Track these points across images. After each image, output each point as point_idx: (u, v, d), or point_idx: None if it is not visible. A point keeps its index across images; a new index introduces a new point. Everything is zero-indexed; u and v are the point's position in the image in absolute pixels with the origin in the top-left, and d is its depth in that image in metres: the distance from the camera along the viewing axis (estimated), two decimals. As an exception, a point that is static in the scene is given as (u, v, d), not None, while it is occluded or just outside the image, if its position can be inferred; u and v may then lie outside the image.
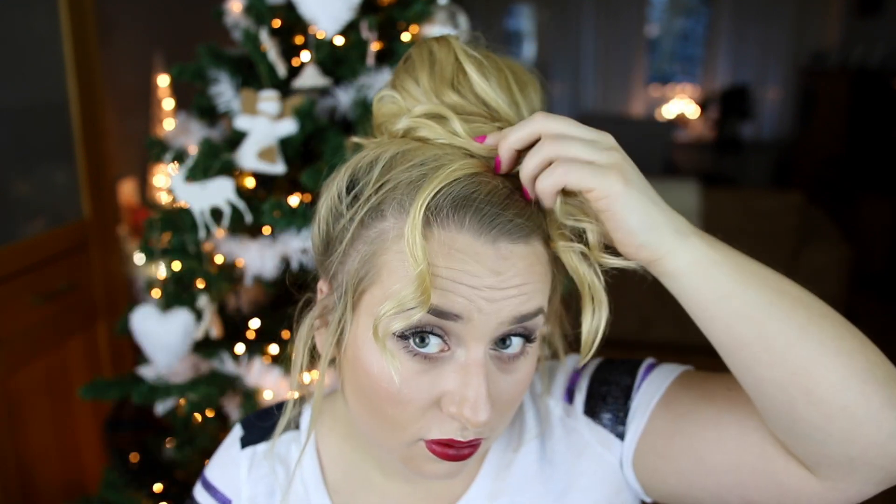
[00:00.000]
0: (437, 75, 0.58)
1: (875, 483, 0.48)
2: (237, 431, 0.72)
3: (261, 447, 0.70)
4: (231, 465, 0.70)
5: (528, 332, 0.53)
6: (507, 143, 0.51)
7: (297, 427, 0.70)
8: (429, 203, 0.49)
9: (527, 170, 0.51)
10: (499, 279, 0.50)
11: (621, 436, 0.62)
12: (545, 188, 0.50)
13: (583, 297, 0.53)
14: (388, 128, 0.60)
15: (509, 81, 0.60)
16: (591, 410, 0.64)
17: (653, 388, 0.61)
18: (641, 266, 0.51)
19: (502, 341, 0.53)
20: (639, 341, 3.45)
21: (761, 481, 0.52)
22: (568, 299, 0.63)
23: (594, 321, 0.52)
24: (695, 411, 0.57)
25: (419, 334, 0.50)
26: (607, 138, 0.50)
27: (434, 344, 0.51)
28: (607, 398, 0.63)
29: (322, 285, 0.61)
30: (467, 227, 0.49)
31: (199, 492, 0.71)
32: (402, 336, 0.50)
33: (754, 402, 0.50)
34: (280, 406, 0.70)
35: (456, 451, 0.52)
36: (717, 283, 0.47)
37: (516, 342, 0.53)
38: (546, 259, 0.53)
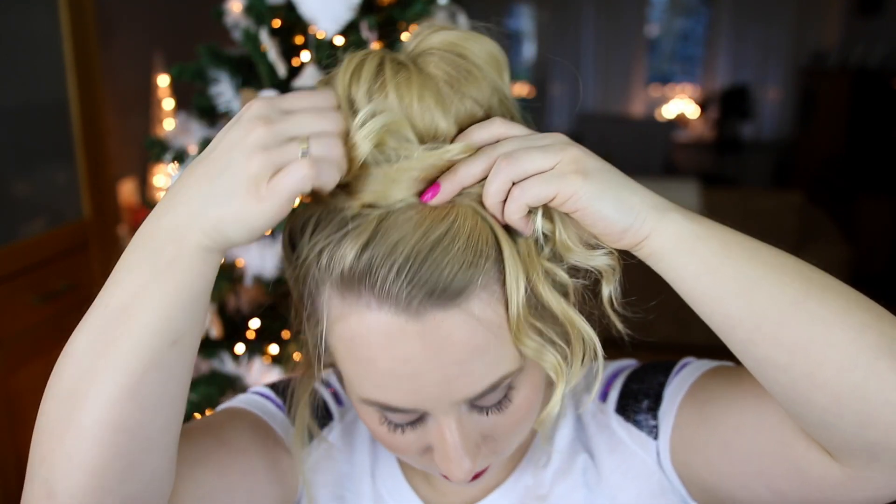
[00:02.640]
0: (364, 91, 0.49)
1: None
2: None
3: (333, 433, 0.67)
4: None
5: (500, 392, 0.49)
6: (458, 181, 0.47)
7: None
8: (339, 286, 0.46)
9: (491, 202, 0.46)
10: (436, 359, 0.45)
11: (654, 434, 0.60)
12: (513, 217, 0.46)
13: (572, 340, 0.50)
14: None
15: (438, 90, 0.48)
16: (623, 408, 0.62)
17: (682, 382, 0.59)
18: (614, 258, 0.49)
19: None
20: (640, 342, 3.46)
21: (783, 468, 0.50)
22: (594, 288, 0.55)
23: (582, 369, 0.50)
24: (719, 398, 0.55)
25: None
26: (557, 137, 0.47)
27: (403, 418, 0.50)
28: (639, 396, 0.62)
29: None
30: (385, 307, 0.45)
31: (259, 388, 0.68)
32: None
33: (762, 384, 0.47)
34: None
35: (463, 481, 0.52)
36: (701, 257, 0.45)
37: (491, 398, 0.49)
38: (494, 312, 0.46)
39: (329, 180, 0.43)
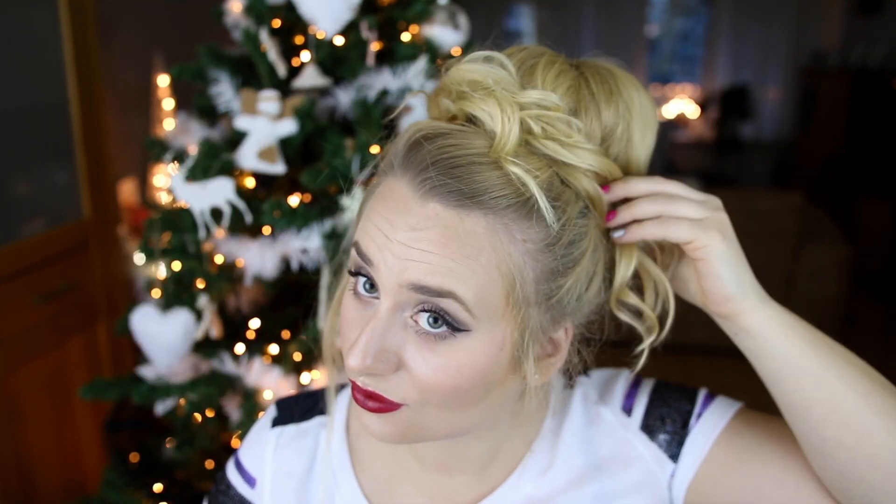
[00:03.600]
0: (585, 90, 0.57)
1: None
2: (271, 411, 0.72)
3: (289, 428, 0.70)
4: (259, 444, 0.71)
5: (437, 312, 0.50)
6: (625, 191, 0.56)
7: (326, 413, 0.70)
8: (396, 151, 0.52)
9: (634, 213, 0.56)
10: (410, 236, 0.49)
11: (675, 457, 0.63)
12: (643, 234, 0.55)
13: (644, 284, 0.58)
14: (466, 99, 0.54)
15: (618, 105, 0.58)
16: (648, 428, 0.65)
17: (714, 418, 0.63)
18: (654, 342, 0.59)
19: (419, 313, 0.51)
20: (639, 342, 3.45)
21: None
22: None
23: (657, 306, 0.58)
24: (760, 449, 0.59)
25: (357, 275, 0.53)
26: (715, 200, 0.56)
27: (365, 285, 0.53)
28: (665, 420, 0.65)
29: None
30: (408, 179, 0.50)
31: (230, 469, 0.72)
32: (351, 273, 0.54)
33: (813, 460, 0.54)
34: (315, 392, 0.71)
35: (362, 399, 0.53)
36: (793, 344, 0.53)
37: (423, 319, 0.50)
38: (488, 245, 0.49)
39: None
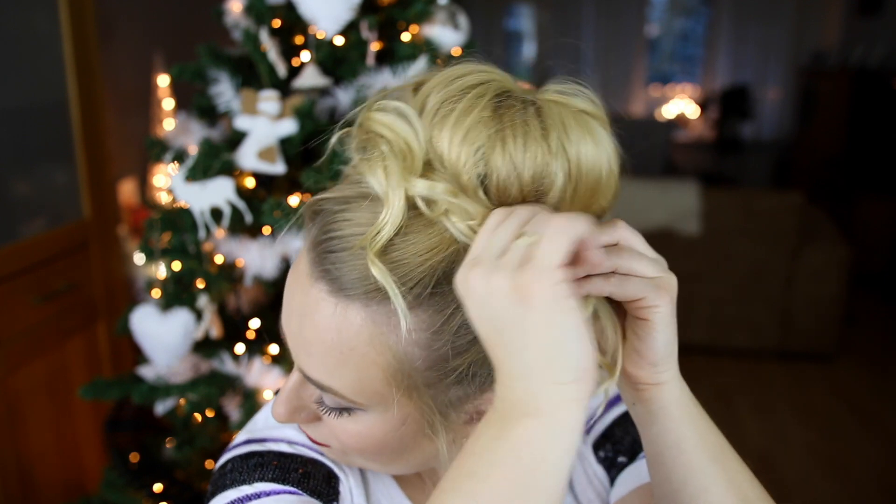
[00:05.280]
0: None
1: None
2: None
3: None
4: None
5: (335, 401, 0.50)
6: (589, 268, 0.45)
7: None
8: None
9: (584, 266, 0.45)
10: (300, 322, 0.49)
11: (612, 481, 0.64)
12: (590, 289, 0.46)
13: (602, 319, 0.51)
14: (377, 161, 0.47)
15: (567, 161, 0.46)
16: (597, 445, 0.66)
17: (638, 472, 0.63)
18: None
19: None
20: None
21: None
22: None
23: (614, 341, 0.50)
24: None
25: None
26: (664, 261, 0.50)
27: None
28: (616, 444, 0.65)
29: None
30: (306, 251, 0.49)
31: None
32: None
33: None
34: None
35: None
36: (694, 417, 0.50)
37: (326, 398, 0.51)
38: (366, 339, 0.47)
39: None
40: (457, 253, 0.46)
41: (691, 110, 6.78)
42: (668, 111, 6.80)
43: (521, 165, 0.45)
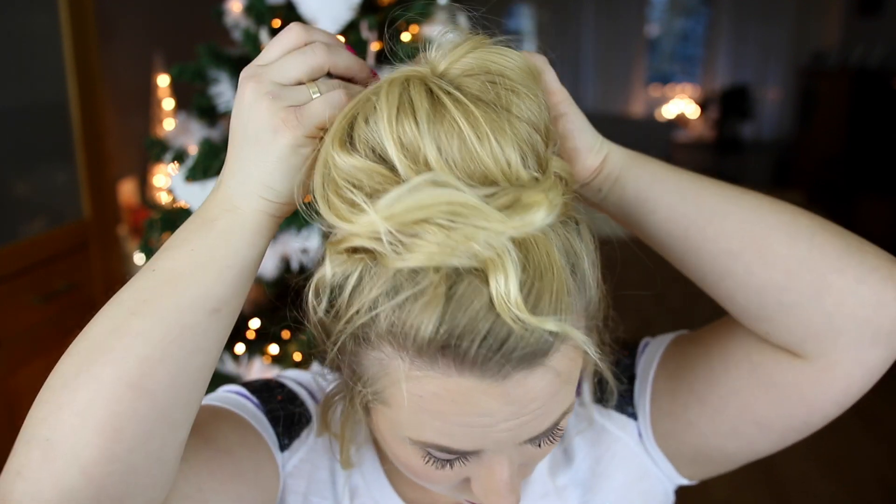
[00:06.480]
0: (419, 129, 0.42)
1: (866, 345, 0.47)
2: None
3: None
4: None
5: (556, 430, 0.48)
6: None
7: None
8: (412, 352, 0.42)
9: None
10: (514, 409, 0.43)
11: (633, 415, 0.62)
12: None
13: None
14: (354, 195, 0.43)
15: (495, 119, 0.43)
16: (599, 397, 0.64)
17: (649, 358, 0.62)
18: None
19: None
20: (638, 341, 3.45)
21: (760, 392, 0.52)
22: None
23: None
24: (686, 361, 0.58)
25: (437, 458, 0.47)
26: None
27: (453, 455, 0.47)
28: (609, 382, 0.63)
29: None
30: (468, 374, 0.41)
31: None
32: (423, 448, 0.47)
33: (721, 295, 0.51)
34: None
35: None
36: (652, 171, 0.52)
37: (550, 431, 0.48)
38: (572, 361, 0.45)
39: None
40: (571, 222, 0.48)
41: (691, 110, 6.78)
42: (668, 111, 6.81)
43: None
